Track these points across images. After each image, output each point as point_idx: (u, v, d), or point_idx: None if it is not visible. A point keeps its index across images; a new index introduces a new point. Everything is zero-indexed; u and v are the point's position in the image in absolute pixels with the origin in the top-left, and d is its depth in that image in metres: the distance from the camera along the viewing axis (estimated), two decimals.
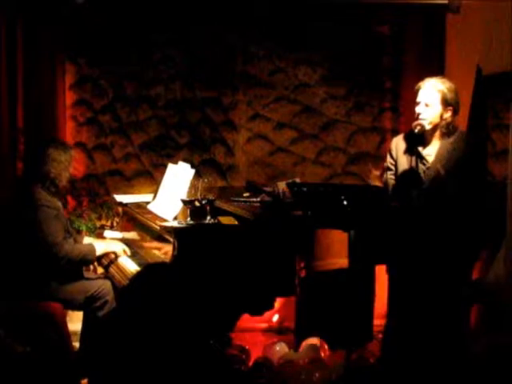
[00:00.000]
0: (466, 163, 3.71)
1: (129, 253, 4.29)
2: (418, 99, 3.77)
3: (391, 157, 3.91)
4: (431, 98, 3.72)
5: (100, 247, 4.21)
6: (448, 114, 3.74)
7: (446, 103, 3.72)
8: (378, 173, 3.86)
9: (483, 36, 4.77)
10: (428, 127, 3.73)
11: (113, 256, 4.25)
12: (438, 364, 3.64)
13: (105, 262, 4.29)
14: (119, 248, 4.27)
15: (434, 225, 3.66)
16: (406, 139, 3.86)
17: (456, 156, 3.73)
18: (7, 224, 4.14)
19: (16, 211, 4.12)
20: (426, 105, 3.73)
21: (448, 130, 3.76)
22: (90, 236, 4.84)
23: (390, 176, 3.90)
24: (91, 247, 4.17)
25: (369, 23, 5.60)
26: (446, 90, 3.72)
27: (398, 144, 3.90)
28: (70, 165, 4.18)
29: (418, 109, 3.75)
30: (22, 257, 4.02)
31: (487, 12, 4.73)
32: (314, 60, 5.63)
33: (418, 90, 3.78)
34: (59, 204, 4.19)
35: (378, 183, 3.86)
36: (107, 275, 4.25)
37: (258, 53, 5.60)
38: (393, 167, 3.90)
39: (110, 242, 4.38)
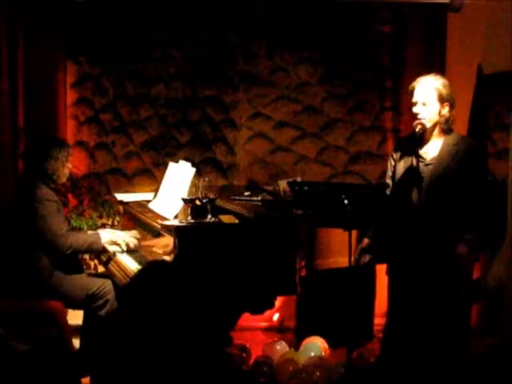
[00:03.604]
0: (469, 166, 3.71)
1: (136, 243, 4.26)
2: (414, 99, 3.76)
3: (392, 158, 3.93)
4: (428, 97, 3.72)
5: (105, 235, 4.22)
6: (445, 110, 3.74)
7: (442, 100, 3.72)
8: None
9: (484, 35, 4.78)
10: (428, 125, 3.74)
11: (111, 252, 4.24)
12: (439, 363, 3.64)
13: (104, 258, 4.30)
14: (126, 237, 4.26)
15: (435, 224, 3.66)
16: (406, 141, 3.88)
17: (458, 158, 3.72)
18: (10, 221, 4.19)
19: (19, 207, 4.17)
20: (424, 104, 3.72)
21: (447, 125, 3.77)
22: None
23: (387, 178, 3.92)
24: (96, 235, 4.20)
25: (370, 22, 5.59)
26: (441, 87, 3.72)
27: (399, 146, 3.94)
28: (67, 161, 4.22)
29: (415, 109, 3.75)
30: (26, 251, 4.05)
31: (488, 11, 4.74)
32: (315, 59, 5.63)
33: (412, 90, 3.78)
34: (58, 198, 4.24)
35: None
36: (108, 274, 4.26)
37: (258, 52, 5.60)
38: (390, 171, 3.91)
39: (115, 232, 4.36)
